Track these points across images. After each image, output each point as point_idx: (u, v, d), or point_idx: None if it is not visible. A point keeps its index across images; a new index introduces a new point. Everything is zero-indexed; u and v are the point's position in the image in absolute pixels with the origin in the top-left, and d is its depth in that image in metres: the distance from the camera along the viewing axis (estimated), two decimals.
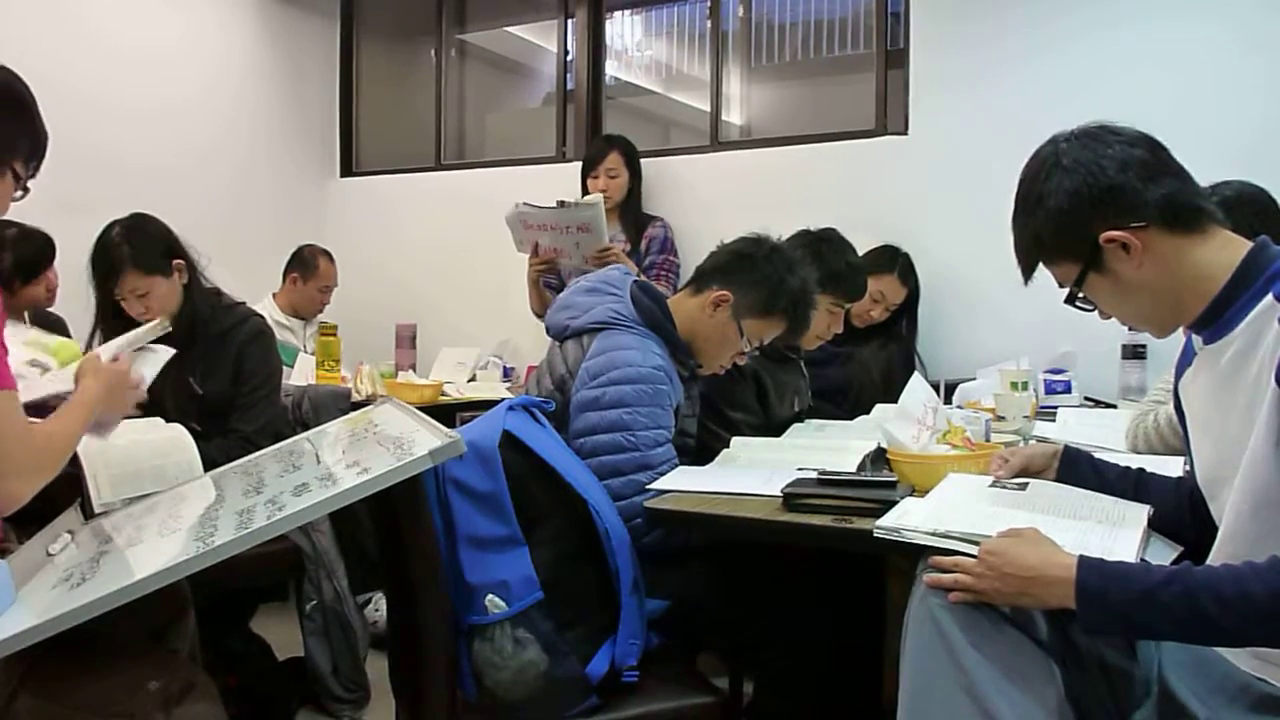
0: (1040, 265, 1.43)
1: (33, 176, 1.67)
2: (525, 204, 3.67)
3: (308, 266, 4.36)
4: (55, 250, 2.97)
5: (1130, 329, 1.46)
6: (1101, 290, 1.38)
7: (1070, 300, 1.42)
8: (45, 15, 4.02)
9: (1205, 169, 1.90)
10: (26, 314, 2.99)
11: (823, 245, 2.70)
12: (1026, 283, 1.46)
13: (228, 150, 4.78)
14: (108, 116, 4.18)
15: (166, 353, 2.00)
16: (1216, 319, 1.32)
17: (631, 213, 4.01)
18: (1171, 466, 1.68)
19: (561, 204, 3.65)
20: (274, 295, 4.41)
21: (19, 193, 1.65)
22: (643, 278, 2.45)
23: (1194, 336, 1.40)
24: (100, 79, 4.19)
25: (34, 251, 2.89)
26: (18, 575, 1.50)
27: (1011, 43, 3.72)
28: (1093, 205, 1.34)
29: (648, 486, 1.91)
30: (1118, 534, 1.39)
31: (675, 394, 2.09)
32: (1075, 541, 1.32)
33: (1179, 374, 1.47)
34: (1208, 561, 1.31)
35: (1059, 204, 1.36)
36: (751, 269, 2.21)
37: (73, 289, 2.68)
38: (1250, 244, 1.32)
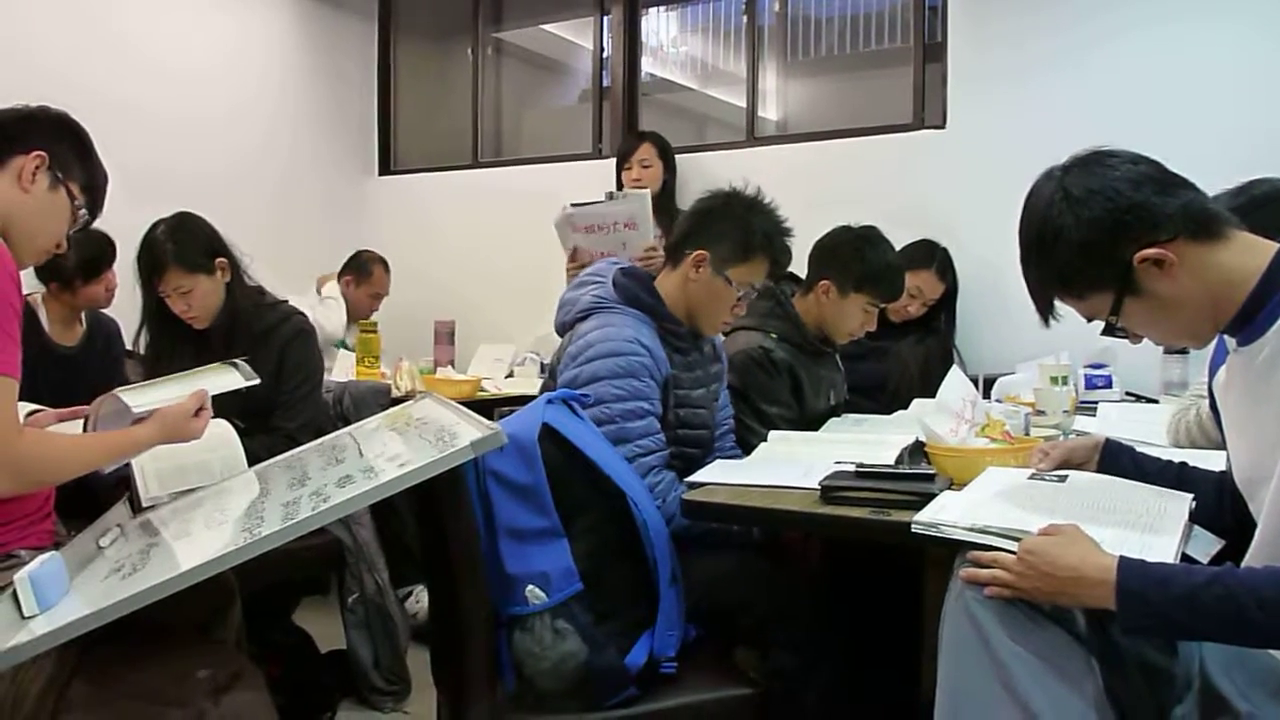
0: (1059, 301, 1.40)
1: (97, 211, 1.79)
2: (573, 205, 3.65)
3: (363, 271, 4.45)
4: (115, 250, 3.04)
5: (1165, 347, 1.43)
6: (1139, 313, 1.35)
7: (1109, 331, 1.39)
8: (98, 40, 4.16)
9: (1245, 167, 1.88)
10: (83, 314, 3.06)
11: (864, 244, 2.69)
12: (1046, 324, 1.43)
13: (271, 153, 4.86)
14: (158, 130, 4.29)
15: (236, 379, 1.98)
16: (1248, 322, 1.30)
17: (667, 206, 3.97)
18: (1214, 461, 1.65)
19: (610, 195, 3.64)
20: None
21: (83, 213, 1.77)
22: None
23: (1226, 338, 1.38)
24: (151, 95, 4.32)
25: (95, 250, 2.96)
26: (70, 567, 1.54)
27: (1051, 37, 3.68)
28: (1118, 229, 1.31)
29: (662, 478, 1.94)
30: (1158, 531, 1.38)
31: (659, 365, 2.10)
32: (1115, 539, 1.31)
33: (1212, 372, 1.46)
34: (1245, 563, 1.30)
35: (1082, 235, 1.32)
36: (714, 222, 2.22)
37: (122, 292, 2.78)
38: (1275, 246, 1.31)
